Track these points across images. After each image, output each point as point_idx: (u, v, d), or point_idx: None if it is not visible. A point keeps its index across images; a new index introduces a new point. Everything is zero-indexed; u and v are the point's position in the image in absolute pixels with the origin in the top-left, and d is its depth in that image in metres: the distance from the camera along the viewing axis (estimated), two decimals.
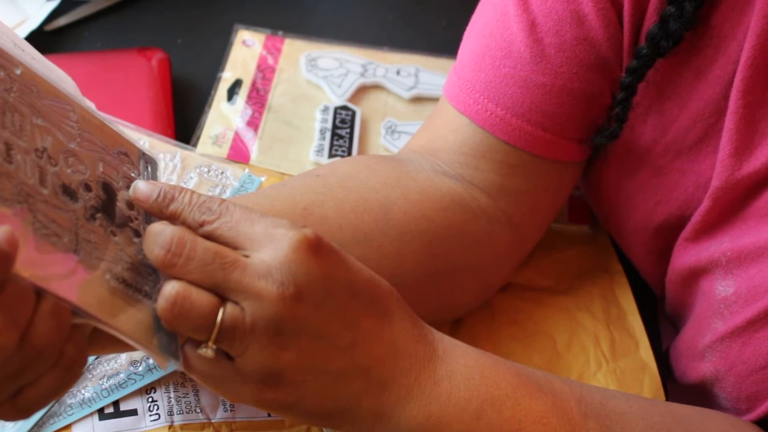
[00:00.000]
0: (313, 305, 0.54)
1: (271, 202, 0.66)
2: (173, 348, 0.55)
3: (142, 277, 0.55)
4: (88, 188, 0.55)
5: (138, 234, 0.57)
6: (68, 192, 0.53)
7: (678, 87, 0.68)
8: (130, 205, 0.57)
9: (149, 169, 0.62)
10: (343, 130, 0.88)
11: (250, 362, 0.54)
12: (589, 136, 0.72)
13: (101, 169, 0.57)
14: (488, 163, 0.71)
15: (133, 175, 0.59)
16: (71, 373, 0.53)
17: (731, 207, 0.67)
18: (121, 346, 0.63)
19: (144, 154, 0.62)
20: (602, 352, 0.76)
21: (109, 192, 0.56)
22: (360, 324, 0.56)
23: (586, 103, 0.70)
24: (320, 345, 0.55)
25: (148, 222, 0.57)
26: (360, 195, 0.68)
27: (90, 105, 0.61)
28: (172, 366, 0.55)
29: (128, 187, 0.58)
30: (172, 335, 0.55)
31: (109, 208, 0.56)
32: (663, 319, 0.81)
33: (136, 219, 0.57)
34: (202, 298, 0.53)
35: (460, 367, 0.59)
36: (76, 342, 0.53)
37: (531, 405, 0.59)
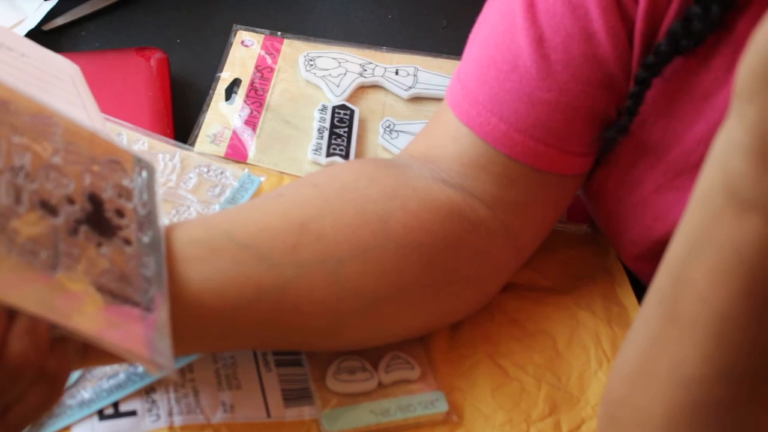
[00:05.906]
0: None
1: (266, 219, 0.66)
2: (165, 354, 0.54)
3: (132, 287, 0.54)
4: (71, 202, 0.54)
5: (128, 242, 0.56)
6: (48, 207, 0.52)
7: (684, 108, 0.67)
8: (121, 213, 0.56)
9: (144, 175, 0.61)
10: (341, 129, 0.88)
11: None
12: (592, 150, 0.71)
13: (88, 181, 0.56)
14: (488, 175, 0.71)
15: (125, 183, 0.58)
16: (56, 386, 0.53)
17: None
18: (115, 358, 0.63)
19: (140, 160, 0.61)
20: (603, 351, 0.76)
21: (96, 203, 0.56)
22: None
23: (590, 120, 0.69)
24: None
25: (141, 230, 0.56)
26: (358, 208, 0.68)
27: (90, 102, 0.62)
28: (164, 373, 0.55)
29: (120, 195, 0.57)
30: (164, 342, 0.54)
31: (96, 218, 0.55)
32: None
33: (127, 227, 0.56)
34: None
35: None
36: (57, 355, 0.53)
37: None
